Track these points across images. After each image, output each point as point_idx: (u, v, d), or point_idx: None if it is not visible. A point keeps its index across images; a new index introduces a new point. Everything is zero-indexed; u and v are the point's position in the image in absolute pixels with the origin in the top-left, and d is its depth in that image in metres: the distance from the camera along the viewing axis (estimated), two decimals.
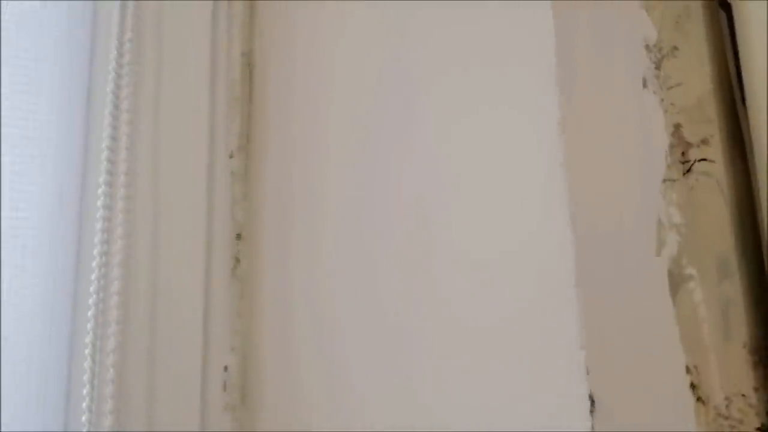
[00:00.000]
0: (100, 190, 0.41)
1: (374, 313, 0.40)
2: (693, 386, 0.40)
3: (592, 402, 0.34)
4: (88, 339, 0.40)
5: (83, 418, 0.40)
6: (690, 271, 0.40)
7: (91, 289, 0.40)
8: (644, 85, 0.40)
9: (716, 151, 0.40)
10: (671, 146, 0.40)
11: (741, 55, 0.39)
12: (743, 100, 0.41)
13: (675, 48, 0.39)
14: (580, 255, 0.36)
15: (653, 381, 0.39)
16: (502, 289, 0.37)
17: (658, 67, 0.40)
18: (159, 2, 0.44)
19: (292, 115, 0.44)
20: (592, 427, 0.34)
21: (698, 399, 0.40)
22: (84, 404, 0.40)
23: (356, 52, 0.42)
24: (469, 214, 0.39)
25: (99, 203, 0.42)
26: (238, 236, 0.40)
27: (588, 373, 0.35)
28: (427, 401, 0.39)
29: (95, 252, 0.41)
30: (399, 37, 0.40)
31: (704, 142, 0.40)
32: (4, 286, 0.40)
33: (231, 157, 0.43)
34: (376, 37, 0.41)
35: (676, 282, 0.40)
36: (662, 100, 0.40)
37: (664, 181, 0.40)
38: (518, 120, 0.38)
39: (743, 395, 0.41)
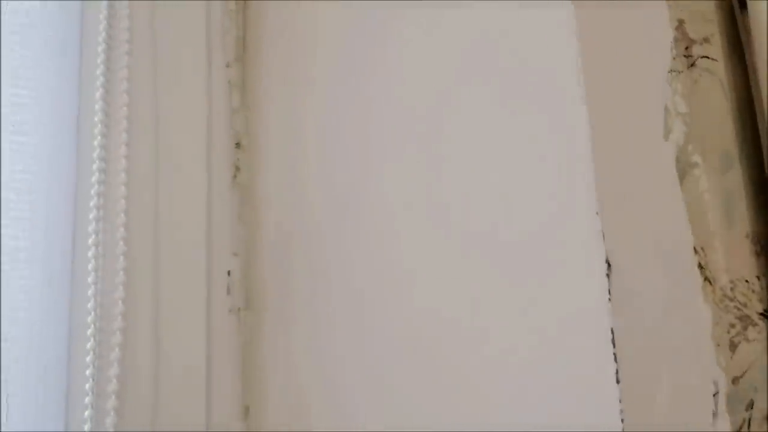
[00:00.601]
0: (97, 106, 0.42)
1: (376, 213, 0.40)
2: (700, 266, 0.41)
3: (609, 265, 0.35)
4: (91, 241, 0.40)
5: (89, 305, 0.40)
6: (696, 158, 0.42)
7: (92, 192, 0.40)
8: None
9: (717, 51, 0.42)
10: (675, 40, 0.42)
11: None
12: (740, 5, 0.44)
13: None
14: (597, 140, 0.38)
15: (666, 254, 0.40)
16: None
17: None
18: None
19: (292, 20, 0.45)
20: (609, 288, 0.35)
21: (705, 279, 0.41)
22: (89, 305, 0.40)
23: None
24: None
25: (97, 107, 0.42)
26: (238, 145, 0.41)
27: (604, 238, 0.36)
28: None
29: (94, 159, 0.41)
30: None
31: (706, 40, 0.42)
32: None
33: (228, 66, 0.44)
34: None
35: (683, 168, 0.42)
36: None
37: (670, 71, 0.42)
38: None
39: (747, 281, 0.43)
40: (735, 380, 0.41)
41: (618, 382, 0.35)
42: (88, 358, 0.37)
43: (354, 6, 0.41)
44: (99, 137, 0.40)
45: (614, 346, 0.35)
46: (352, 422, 0.39)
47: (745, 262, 0.44)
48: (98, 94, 0.42)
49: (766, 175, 0.42)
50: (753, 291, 0.43)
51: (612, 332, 0.35)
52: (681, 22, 0.42)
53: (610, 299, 0.36)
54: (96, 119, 0.41)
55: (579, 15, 0.39)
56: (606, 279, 0.36)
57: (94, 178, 0.40)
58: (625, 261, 0.36)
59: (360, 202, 0.42)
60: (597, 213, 0.36)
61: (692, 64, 0.42)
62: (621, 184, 0.39)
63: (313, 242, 0.42)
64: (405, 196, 0.40)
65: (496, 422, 0.36)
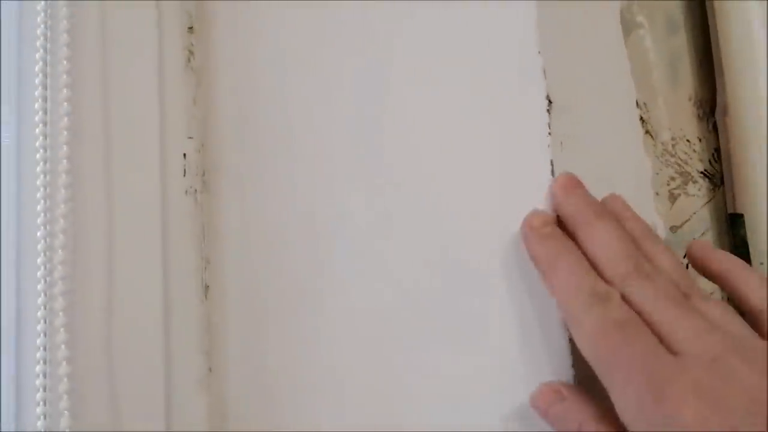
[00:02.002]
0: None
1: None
2: (642, 120, 0.41)
3: (549, 102, 0.35)
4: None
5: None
6: (640, 19, 0.42)
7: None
8: None
9: None
10: None
11: None
12: None
13: None
14: None
15: (609, 101, 0.41)
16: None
17: None
18: None
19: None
20: (549, 123, 0.35)
21: (647, 132, 0.42)
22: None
23: None
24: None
25: None
26: (190, 29, 0.40)
27: (545, 76, 0.36)
28: None
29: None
30: None
31: None
32: None
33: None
34: None
35: (628, 27, 0.42)
36: None
37: None
38: None
39: (688, 140, 0.43)
40: (673, 228, 0.42)
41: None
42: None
43: None
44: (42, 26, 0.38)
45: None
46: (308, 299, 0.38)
47: (688, 123, 0.45)
48: None
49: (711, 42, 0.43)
50: (694, 150, 0.44)
51: (551, 165, 0.35)
52: None
53: (549, 134, 0.35)
54: None
55: None
56: (547, 115, 0.35)
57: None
58: (566, 100, 0.36)
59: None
60: (539, 52, 0.36)
61: None
62: (564, 27, 0.39)
63: (269, 124, 0.41)
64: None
65: None
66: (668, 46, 0.44)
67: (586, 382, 0.32)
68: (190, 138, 0.40)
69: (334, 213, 0.38)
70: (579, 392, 0.32)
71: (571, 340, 0.33)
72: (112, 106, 0.38)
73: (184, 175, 0.40)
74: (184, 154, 0.40)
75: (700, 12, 0.44)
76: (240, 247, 0.39)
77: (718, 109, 0.42)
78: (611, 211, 0.34)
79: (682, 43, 0.44)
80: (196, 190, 0.40)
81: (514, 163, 0.36)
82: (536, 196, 0.35)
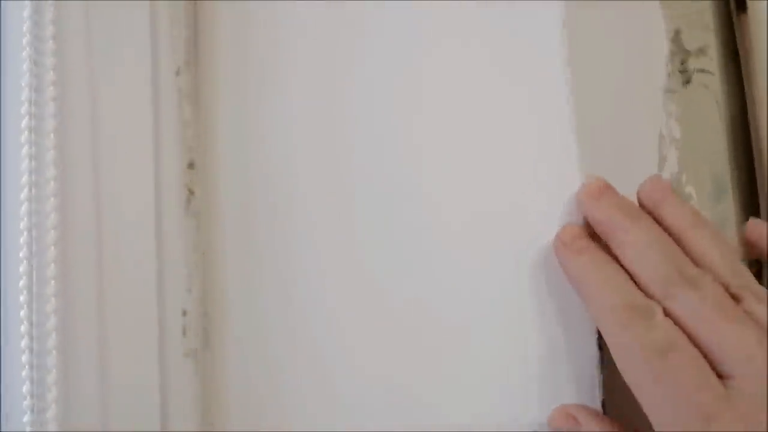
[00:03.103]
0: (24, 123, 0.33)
1: (350, 254, 0.35)
2: None
3: None
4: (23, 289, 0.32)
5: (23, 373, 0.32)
6: (689, 189, 0.38)
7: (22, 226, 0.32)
8: None
9: (713, 63, 0.38)
10: (671, 53, 0.38)
11: None
12: (738, 7, 0.40)
13: None
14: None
15: None
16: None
17: None
18: None
19: (249, 24, 0.38)
20: None
21: None
22: (24, 358, 0.32)
23: None
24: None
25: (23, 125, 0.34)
26: (191, 165, 0.34)
27: None
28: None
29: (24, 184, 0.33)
30: None
31: (702, 51, 0.38)
32: None
33: (178, 74, 0.36)
34: None
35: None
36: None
37: (665, 92, 0.37)
38: None
39: None
40: None
41: None
42: None
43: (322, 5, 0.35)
44: (27, 160, 0.32)
45: None
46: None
47: None
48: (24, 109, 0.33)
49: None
50: None
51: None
52: (677, 32, 0.38)
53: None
54: (22, 139, 0.33)
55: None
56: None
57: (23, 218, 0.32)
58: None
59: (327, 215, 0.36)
60: None
61: (688, 81, 0.38)
62: None
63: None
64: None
65: None
66: (716, 212, 0.40)
67: (617, 396, 0.31)
68: (189, 291, 0.36)
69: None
70: (595, 418, 0.30)
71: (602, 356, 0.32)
72: (105, 264, 0.33)
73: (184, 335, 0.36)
74: (184, 311, 0.35)
75: (747, 167, 0.40)
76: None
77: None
78: (648, 202, 0.32)
79: (728, 207, 0.41)
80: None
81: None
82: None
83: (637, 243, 0.29)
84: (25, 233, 0.31)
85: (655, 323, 0.27)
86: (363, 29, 0.35)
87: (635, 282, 0.29)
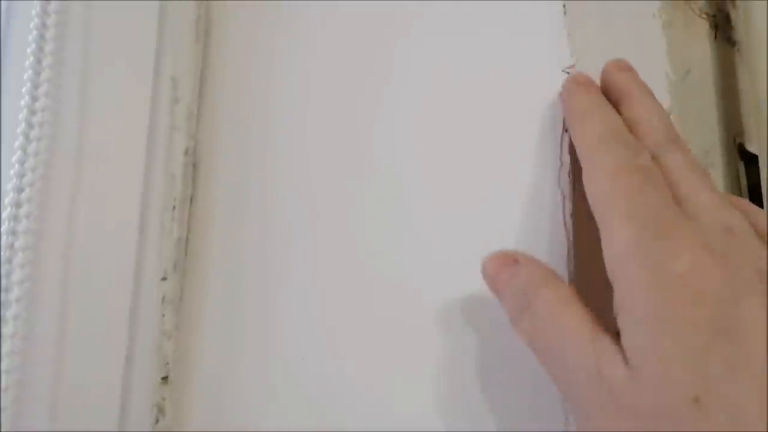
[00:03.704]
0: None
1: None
2: None
3: None
4: None
5: None
6: None
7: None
8: None
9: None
10: None
11: None
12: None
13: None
14: None
15: None
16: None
17: None
18: None
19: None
20: None
21: None
22: None
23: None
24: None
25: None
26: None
27: None
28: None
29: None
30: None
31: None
32: None
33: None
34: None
35: None
36: None
37: None
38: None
39: None
40: None
41: None
42: None
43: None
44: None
45: None
46: None
47: None
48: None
49: None
50: None
51: None
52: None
53: None
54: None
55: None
56: None
57: None
58: None
59: None
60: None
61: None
62: None
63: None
64: None
65: None
66: None
67: None
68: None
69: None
70: (534, 260, 0.28)
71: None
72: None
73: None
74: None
75: None
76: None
77: None
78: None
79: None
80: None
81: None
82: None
83: (645, 107, 0.29)
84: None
85: (642, 155, 0.27)
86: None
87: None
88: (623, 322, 0.23)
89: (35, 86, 0.30)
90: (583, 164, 0.28)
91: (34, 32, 0.30)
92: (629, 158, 0.26)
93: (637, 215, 0.24)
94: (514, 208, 0.32)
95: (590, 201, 0.26)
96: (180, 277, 0.33)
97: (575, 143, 0.29)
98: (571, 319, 0.25)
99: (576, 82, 0.31)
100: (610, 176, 0.26)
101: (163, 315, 0.32)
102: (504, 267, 0.28)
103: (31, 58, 0.31)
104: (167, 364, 0.33)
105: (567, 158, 0.30)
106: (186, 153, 0.34)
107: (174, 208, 0.33)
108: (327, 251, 0.33)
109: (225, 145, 0.35)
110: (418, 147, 0.33)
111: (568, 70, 0.30)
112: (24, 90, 0.30)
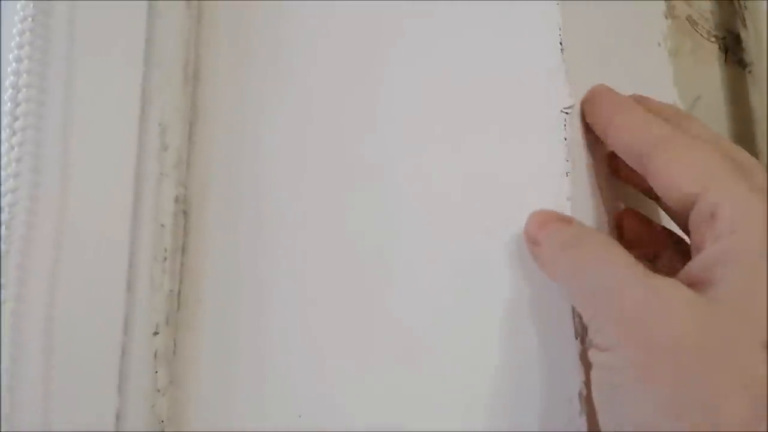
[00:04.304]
0: None
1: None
2: None
3: None
4: None
5: None
6: None
7: None
8: None
9: None
10: None
11: None
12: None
13: None
14: None
15: None
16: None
17: None
18: None
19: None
20: None
21: None
22: None
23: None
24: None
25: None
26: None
27: None
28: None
29: None
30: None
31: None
32: None
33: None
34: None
35: None
36: None
37: None
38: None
39: None
40: None
41: None
42: None
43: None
44: None
45: None
46: None
47: None
48: None
49: None
50: None
51: None
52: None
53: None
54: None
55: None
56: None
57: None
58: None
59: None
60: None
61: None
62: None
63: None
64: None
65: None
66: None
67: None
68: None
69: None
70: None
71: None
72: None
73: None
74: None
75: None
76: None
77: None
78: None
79: None
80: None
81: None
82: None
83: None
84: None
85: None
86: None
87: None
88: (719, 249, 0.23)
89: (13, 132, 0.29)
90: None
91: (11, 77, 0.29)
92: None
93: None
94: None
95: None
96: (173, 331, 0.32)
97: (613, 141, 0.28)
98: (624, 258, 0.24)
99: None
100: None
101: (156, 371, 0.31)
102: (557, 219, 0.27)
103: (9, 104, 0.29)
104: (162, 422, 0.31)
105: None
106: (176, 201, 0.33)
107: (165, 259, 0.32)
108: (325, 300, 0.31)
109: (217, 192, 0.33)
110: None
111: (567, 111, 0.28)
112: (3, 137, 0.29)
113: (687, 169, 0.25)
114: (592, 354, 0.24)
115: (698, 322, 0.21)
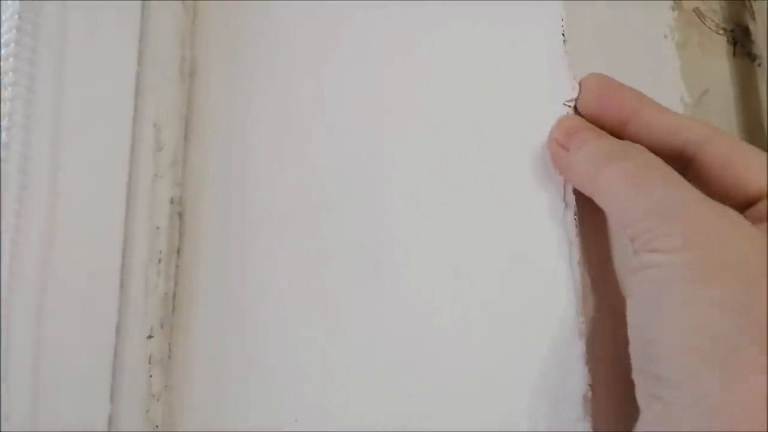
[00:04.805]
0: None
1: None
2: None
3: None
4: None
5: None
6: None
7: None
8: None
9: None
10: None
11: None
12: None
13: None
14: None
15: None
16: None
17: None
18: None
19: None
20: None
21: None
22: None
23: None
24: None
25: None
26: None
27: None
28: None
29: None
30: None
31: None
32: None
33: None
34: None
35: None
36: None
37: None
38: None
39: None
40: None
41: None
42: None
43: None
44: None
45: None
46: None
47: None
48: None
49: None
50: None
51: None
52: None
53: None
54: None
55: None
56: None
57: None
58: None
59: None
60: None
61: None
62: None
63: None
64: None
65: None
66: None
67: None
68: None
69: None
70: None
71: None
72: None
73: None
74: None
75: None
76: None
77: None
78: None
79: None
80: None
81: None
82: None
83: None
84: None
85: None
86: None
87: None
88: None
89: (6, 130, 0.29)
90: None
91: (4, 78, 0.29)
92: None
93: None
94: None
95: None
96: (168, 335, 0.31)
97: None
98: (681, 178, 0.24)
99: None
100: None
101: (151, 375, 0.30)
102: (587, 127, 0.27)
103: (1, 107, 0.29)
104: (156, 427, 0.31)
105: (571, 199, 0.28)
106: (171, 202, 0.32)
107: (160, 261, 0.31)
108: (320, 303, 0.30)
109: (212, 193, 0.33)
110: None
111: (569, 104, 0.27)
112: None
113: None
114: (643, 258, 0.23)
115: (763, 246, 0.22)
